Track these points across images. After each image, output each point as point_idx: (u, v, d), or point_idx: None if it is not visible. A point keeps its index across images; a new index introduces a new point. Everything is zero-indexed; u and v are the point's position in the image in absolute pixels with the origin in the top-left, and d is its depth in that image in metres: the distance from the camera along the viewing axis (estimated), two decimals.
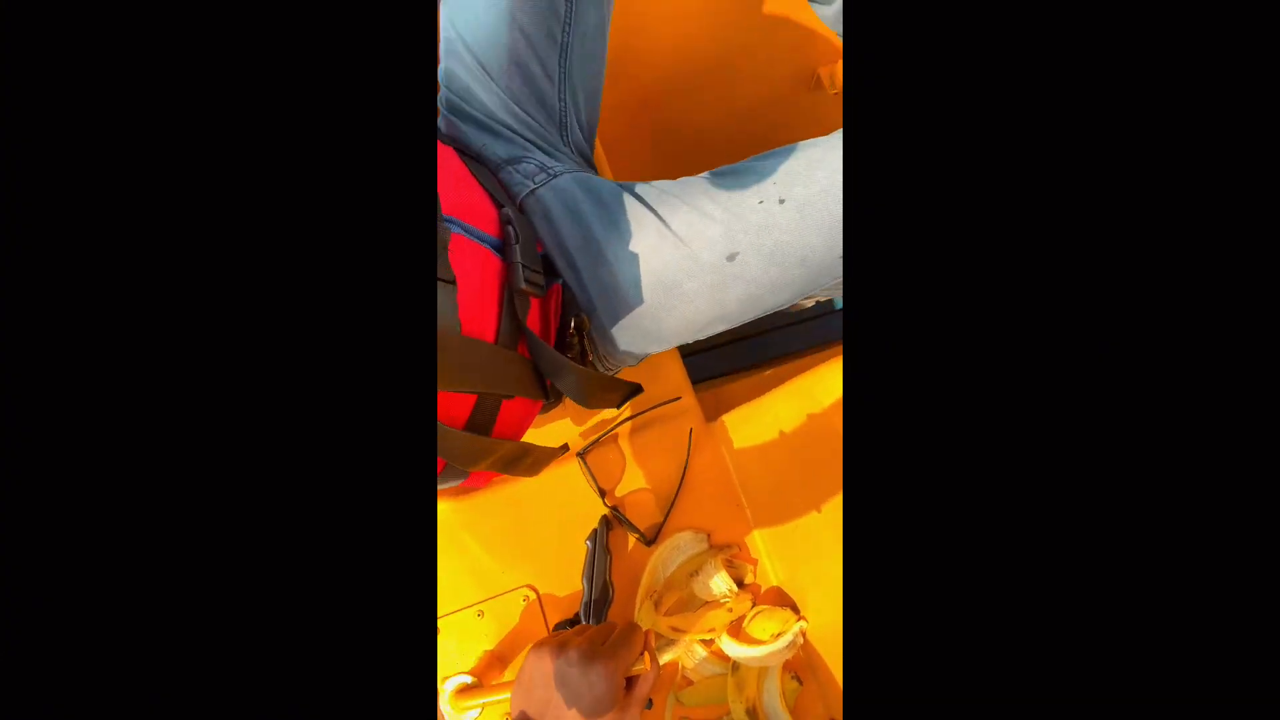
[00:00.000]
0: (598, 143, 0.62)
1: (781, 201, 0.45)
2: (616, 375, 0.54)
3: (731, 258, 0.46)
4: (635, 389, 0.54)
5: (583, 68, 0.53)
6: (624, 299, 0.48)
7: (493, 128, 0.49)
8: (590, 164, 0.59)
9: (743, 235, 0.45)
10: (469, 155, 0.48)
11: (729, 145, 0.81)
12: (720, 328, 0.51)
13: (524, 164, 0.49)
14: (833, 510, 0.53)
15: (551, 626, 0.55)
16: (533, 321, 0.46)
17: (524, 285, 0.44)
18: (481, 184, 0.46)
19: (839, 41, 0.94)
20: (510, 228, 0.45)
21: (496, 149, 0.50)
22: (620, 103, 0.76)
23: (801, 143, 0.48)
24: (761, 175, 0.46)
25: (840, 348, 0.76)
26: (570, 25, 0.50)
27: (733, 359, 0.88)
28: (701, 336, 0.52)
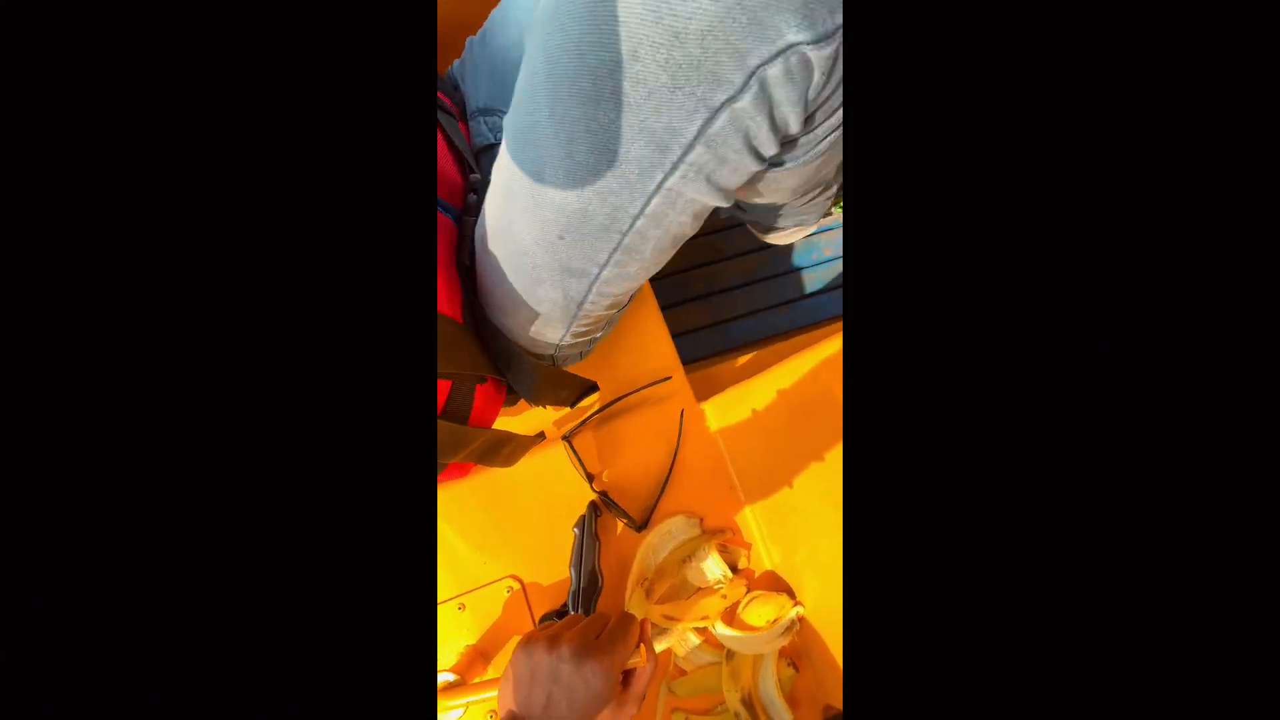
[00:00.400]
0: None
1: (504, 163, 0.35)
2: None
3: (483, 237, 0.38)
4: (590, 387, 0.51)
5: None
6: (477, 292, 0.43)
7: (500, 67, 0.45)
8: None
9: (487, 206, 0.38)
10: (442, 108, 0.44)
11: None
12: (552, 334, 0.42)
13: (494, 116, 0.45)
14: (829, 492, 0.51)
15: (538, 619, 0.52)
16: None
17: (469, 261, 0.41)
18: (453, 143, 0.42)
19: None
20: (474, 195, 0.41)
21: (479, 92, 0.45)
22: None
23: None
24: None
25: (831, 327, 0.74)
26: None
27: (716, 341, 0.86)
28: (546, 347, 0.45)
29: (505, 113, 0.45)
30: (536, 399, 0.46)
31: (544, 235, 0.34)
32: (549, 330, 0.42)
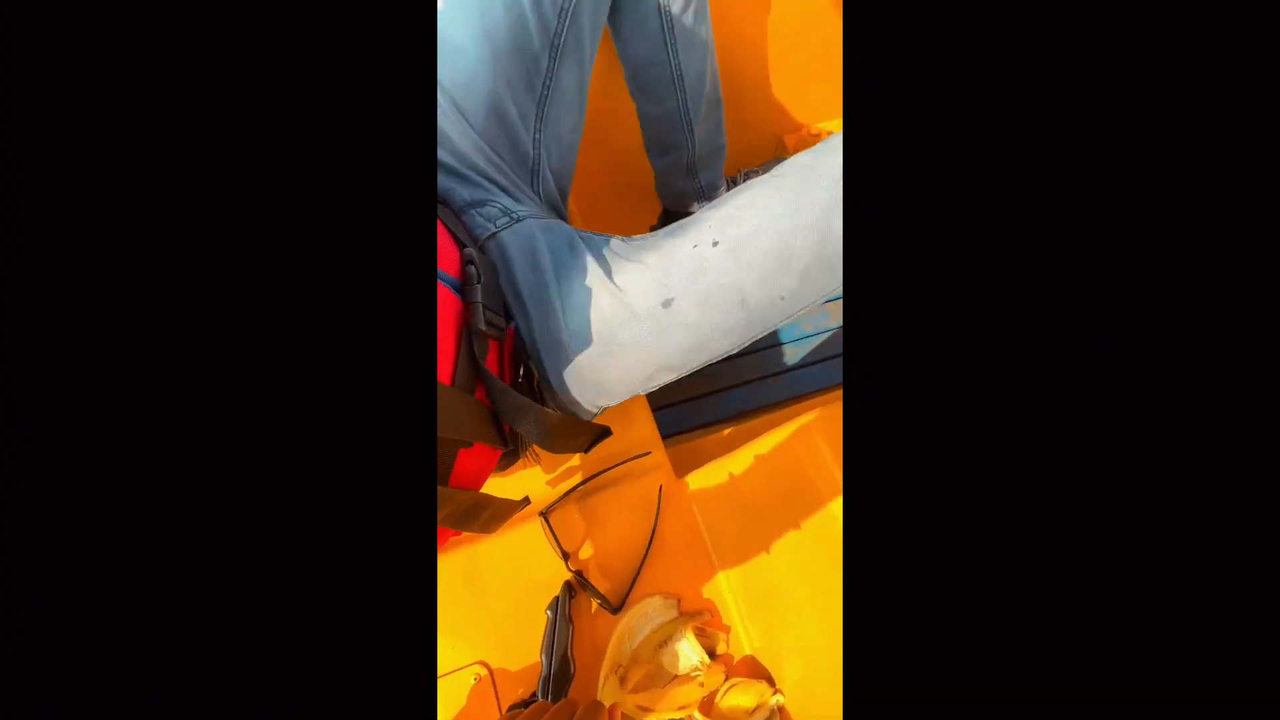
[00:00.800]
0: (571, 199, 0.62)
1: (715, 244, 0.45)
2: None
3: (667, 304, 0.46)
4: (604, 432, 0.52)
5: (560, 119, 0.54)
6: (565, 349, 0.47)
7: (459, 171, 0.49)
8: (560, 213, 0.58)
9: (676, 281, 0.46)
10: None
11: None
12: (666, 377, 0.50)
13: (487, 207, 0.48)
14: (811, 574, 0.50)
15: (505, 709, 0.49)
16: (490, 365, 0.44)
17: (483, 327, 0.42)
18: (444, 223, 0.45)
19: (797, 114, 1.00)
20: (472, 267, 0.43)
21: (461, 192, 0.49)
22: (596, 163, 0.77)
23: (740, 184, 0.47)
24: (701, 222, 0.47)
25: (811, 402, 0.75)
26: (551, 78, 0.51)
27: (702, 413, 0.86)
28: (651, 387, 0.51)
29: (495, 203, 0.49)
30: (552, 447, 0.48)
31: (770, 293, 0.45)
32: (663, 375, 0.50)
